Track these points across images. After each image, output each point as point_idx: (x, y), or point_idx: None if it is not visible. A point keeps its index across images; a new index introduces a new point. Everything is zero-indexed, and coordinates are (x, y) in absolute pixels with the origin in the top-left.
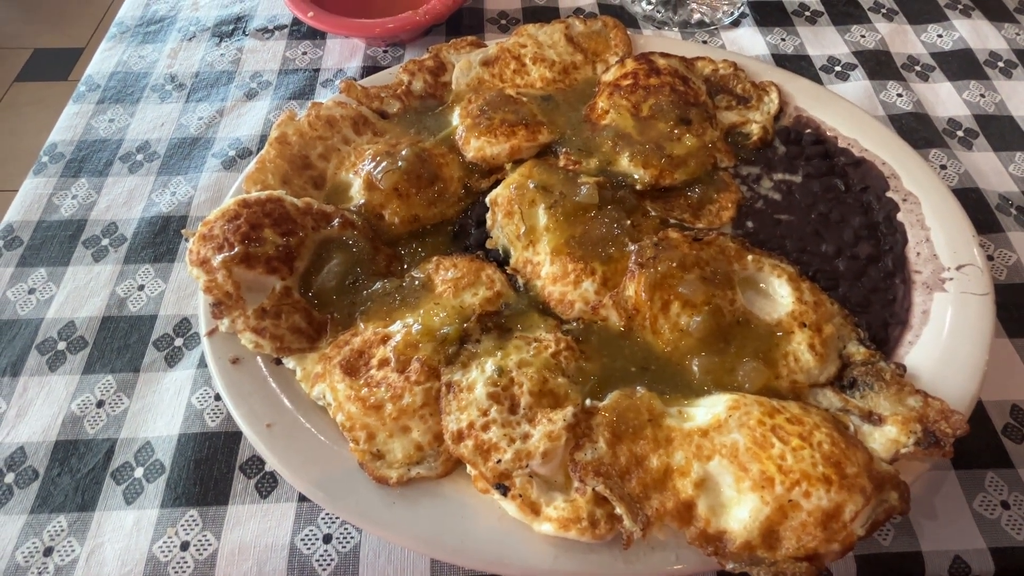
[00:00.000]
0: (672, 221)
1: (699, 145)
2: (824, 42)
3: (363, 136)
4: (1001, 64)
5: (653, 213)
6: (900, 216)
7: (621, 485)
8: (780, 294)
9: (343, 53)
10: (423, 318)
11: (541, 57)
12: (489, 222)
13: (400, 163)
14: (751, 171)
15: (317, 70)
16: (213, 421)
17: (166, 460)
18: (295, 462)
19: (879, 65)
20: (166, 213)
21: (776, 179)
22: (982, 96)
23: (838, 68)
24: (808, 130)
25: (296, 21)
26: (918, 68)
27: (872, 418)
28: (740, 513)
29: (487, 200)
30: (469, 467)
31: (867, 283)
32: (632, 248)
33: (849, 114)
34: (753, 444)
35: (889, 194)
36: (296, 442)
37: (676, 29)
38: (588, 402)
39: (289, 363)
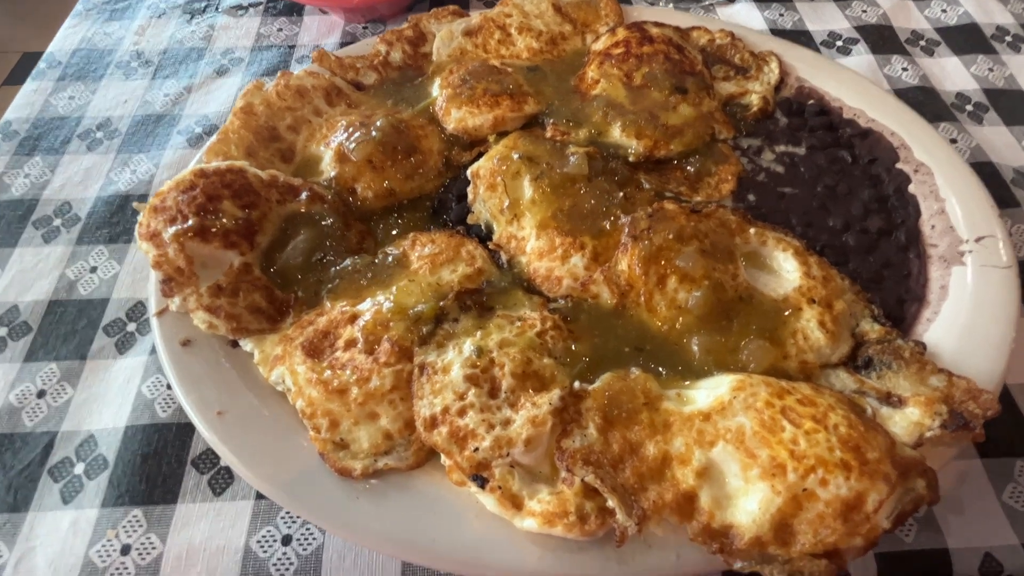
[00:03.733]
0: (668, 194)
1: (696, 115)
2: (824, 17)
3: (336, 107)
4: (1009, 39)
5: (647, 186)
6: (912, 188)
7: (614, 475)
8: (786, 269)
9: (320, 30)
10: (396, 295)
11: (527, 27)
12: (471, 196)
13: (375, 133)
14: (752, 143)
15: (293, 47)
16: (164, 411)
17: (110, 455)
18: (248, 453)
19: (882, 40)
20: (124, 192)
21: (778, 151)
22: (991, 70)
23: (839, 43)
24: (811, 101)
25: None
26: (923, 43)
27: (891, 400)
28: (748, 505)
29: (468, 173)
30: (443, 457)
31: (879, 258)
32: (625, 220)
33: (854, 84)
34: (761, 428)
35: (899, 165)
36: (250, 431)
37: (669, 4)
38: (577, 385)
39: (246, 345)
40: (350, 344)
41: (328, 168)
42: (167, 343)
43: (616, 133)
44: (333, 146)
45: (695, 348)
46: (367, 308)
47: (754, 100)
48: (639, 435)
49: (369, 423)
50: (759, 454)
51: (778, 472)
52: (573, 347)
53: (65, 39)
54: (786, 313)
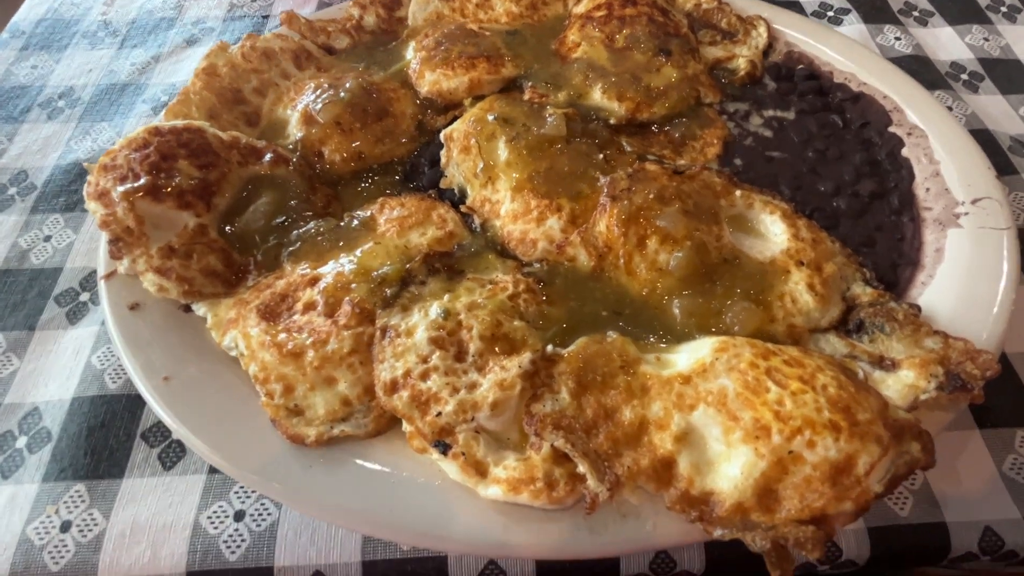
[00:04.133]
0: (651, 157)
1: (680, 77)
2: None
3: (305, 71)
4: (1004, 8)
5: (629, 148)
6: (905, 151)
7: (586, 440)
8: (773, 232)
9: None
10: (360, 258)
11: None
12: (444, 160)
13: (343, 94)
14: (739, 107)
15: (267, 17)
16: (115, 382)
17: (54, 427)
18: (194, 420)
19: (875, 10)
20: (84, 159)
21: (767, 116)
22: (986, 40)
23: (831, 13)
24: (800, 65)
25: None
26: (916, 13)
27: (884, 363)
28: (730, 470)
29: (442, 136)
30: (404, 423)
31: (871, 222)
32: (604, 181)
33: (845, 47)
34: (745, 389)
35: (892, 129)
36: (197, 397)
37: None
38: (550, 348)
39: (199, 309)
40: (309, 307)
41: (294, 131)
42: (114, 307)
43: (597, 95)
44: (300, 108)
45: (676, 311)
46: (329, 270)
47: (741, 64)
48: (615, 400)
49: (326, 388)
50: (742, 416)
51: (762, 434)
52: (547, 311)
53: (31, 9)
54: (773, 276)
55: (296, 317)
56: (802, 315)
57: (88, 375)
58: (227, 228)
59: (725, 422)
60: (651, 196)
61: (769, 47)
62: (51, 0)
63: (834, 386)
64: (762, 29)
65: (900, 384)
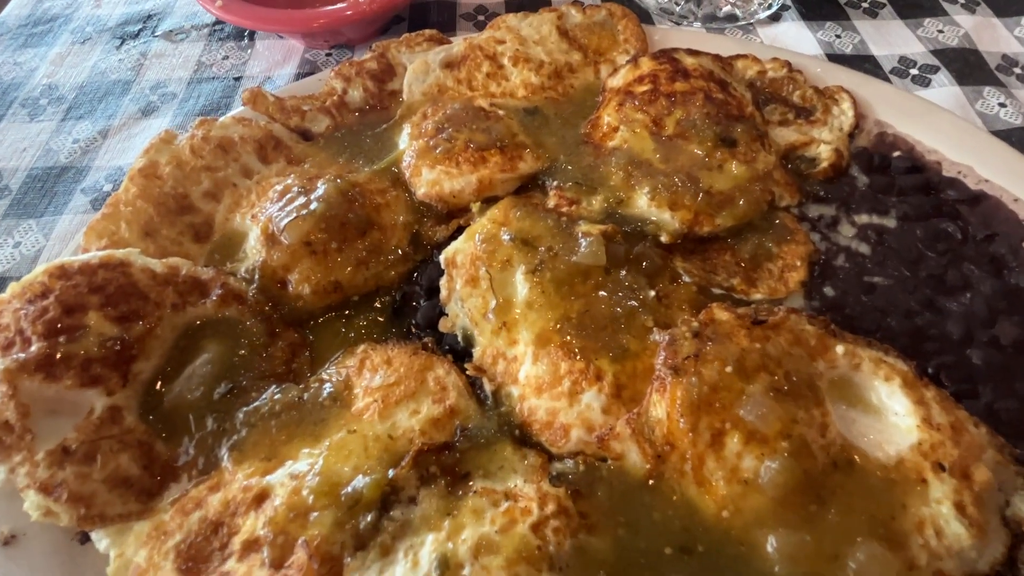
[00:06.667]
0: (716, 290)
1: (749, 175)
2: (891, 39)
3: (272, 165)
4: None
5: (687, 278)
6: None
7: None
8: (893, 409)
9: (274, 58)
10: (326, 460)
11: (525, 56)
12: (444, 292)
13: (315, 206)
14: (824, 212)
15: (239, 78)
16: None
17: None
18: None
19: (967, 67)
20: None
21: (860, 223)
22: None
23: (914, 71)
24: (897, 153)
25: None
26: (1018, 70)
27: None
28: None
29: (442, 259)
30: None
31: (1020, 385)
32: (659, 338)
33: (955, 130)
34: None
35: None
36: None
37: (699, 24)
38: None
39: (100, 542)
40: (249, 548)
41: (253, 251)
42: None
43: (643, 202)
44: (262, 221)
45: (772, 551)
46: (282, 482)
47: (823, 153)
48: None
49: None
50: None
51: None
52: (586, 543)
53: None
54: (904, 490)
55: (230, 566)
56: (952, 555)
57: None
58: (151, 407)
59: None
60: (728, 368)
61: (856, 127)
62: None
63: None
64: (846, 105)
65: None
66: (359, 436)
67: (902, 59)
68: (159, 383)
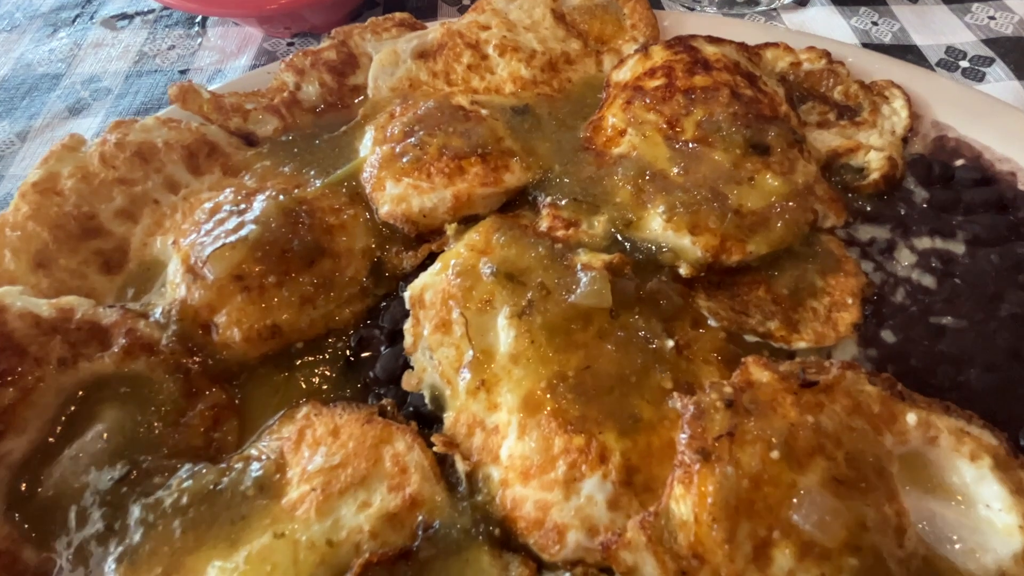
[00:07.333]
0: (750, 337)
1: (786, 190)
2: (935, 26)
3: (205, 176)
4: None
5: (713, 322)
6: None
7: None
8: (984, 499)
9: (228, 47)
10: None
11: (514, 45)
12: (409, 339)
13: (248, 230)
14: (877, 235)
15: (185, 71)
16: None
17: None
18: None
19: None
20: None
21: (921, 248)
22: None
23: (965, 63)
24: (960, 160)
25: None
26: None
27: None
28: None
29: (406, 297)
30: None
31: None
32: (681, 406)
33: None
34: None
35: None
36: None
37: (714, 9)
38: None
39: None
40: None
41: (172, 287)
42: None
43: (657, 224)
44: (183, 248)
45: None
46: None
47: (873, 161)
48: None
49: None
50: None
51: None
52: None
53: None
54: None
55: None
56: None
57: None
58: (20, 499)
59: None
60: (775, 453)
61: (910, 130)
62: None
63: None
64: (899, 103)
65: None
66: (288, 542)
67: (949, 49)
68: (33, 466)
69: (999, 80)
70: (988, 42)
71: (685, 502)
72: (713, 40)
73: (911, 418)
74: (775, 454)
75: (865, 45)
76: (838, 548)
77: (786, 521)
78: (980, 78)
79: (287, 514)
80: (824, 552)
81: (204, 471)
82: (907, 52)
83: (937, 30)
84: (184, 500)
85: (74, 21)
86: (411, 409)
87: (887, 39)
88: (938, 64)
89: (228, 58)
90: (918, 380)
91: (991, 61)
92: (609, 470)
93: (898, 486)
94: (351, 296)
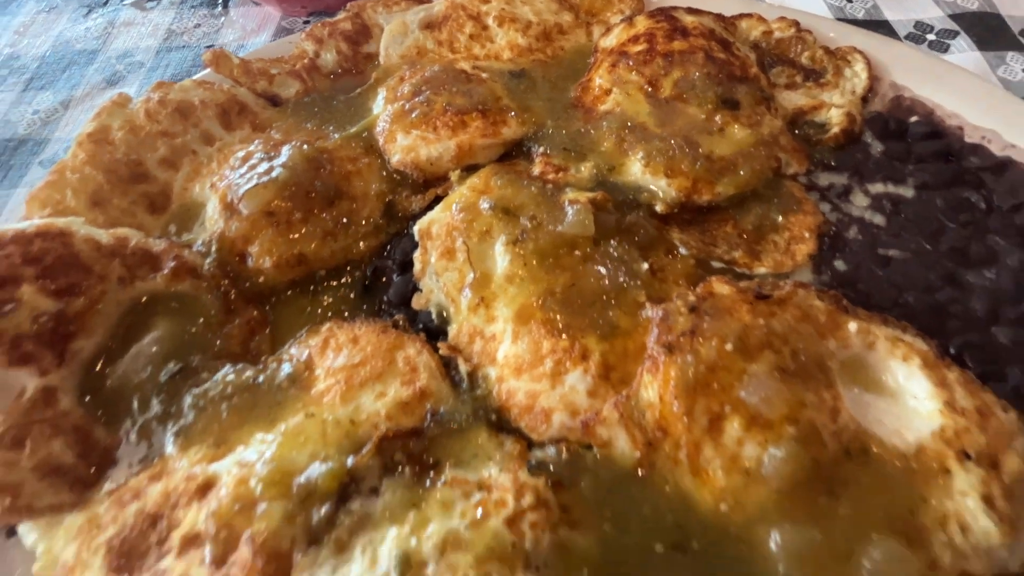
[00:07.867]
0: (716, 263)
1: (753, 140)
2: (906, 3)
3: (236, 131)
4: None
5: (684, 251)
6: None
7: None
8: (912, 393)
9: (249, 25)
10: (280, 446)
11: (511, 16)
12: (418, 265)
13: (277, 172)
14: (835, 180)
15: (211, 47)
16: None
17: None
18: None
19: (989, 32)
20: None
21: (875, 192)
22: None
23: (931, 36)
24: (914, 117)
25: None
26: None
27: None
28: None
29: (415, 230)
30: None
31: None
32: (652, 313)
33: (978, 92)
34: None
35: None
36: None
37: None
38: None
39: (28, 536)
40: (189, 543)
41: (211, 222)
42: None
43: (636, 169)
44: (220, 189)
45: (775, 549)
46: (228, 471)
47: (834, 117)
48: None
49: None
50: None
51: None
52: (567, 540)
53: None
54: (925, 481)
55: (167, 563)
56: (979, 554)
57: None
58: (90, 388)
59: None
60: (728, 345)
61: (870, 90)
62: None
63: None
64: (859, 67)
65: None
66: (317, 421)
67: (918, 24)
68: (101, 363)
69: (962, 51)
70: (954, 17)
71: (652, 387)
72: (692, 11)
73: (852, 327)
74: (729, 347)
75: (839, 21)
76: (779, 420)
77: (736, 398)
78: (945, 49)
79: (316, 401)
80: (767, 423)
81: (244, 368)
82: (879, 27)
83: (908, 6)
84: (229, 390)
85: (106, 3)
86: (420, 325)
87: (860, 15)
88: (907, 37)
89: (249, 35)
90: (865, 301)
91: (955, 34)
92: (589, 366)
93: (837, 379)
94: (367, 232)
